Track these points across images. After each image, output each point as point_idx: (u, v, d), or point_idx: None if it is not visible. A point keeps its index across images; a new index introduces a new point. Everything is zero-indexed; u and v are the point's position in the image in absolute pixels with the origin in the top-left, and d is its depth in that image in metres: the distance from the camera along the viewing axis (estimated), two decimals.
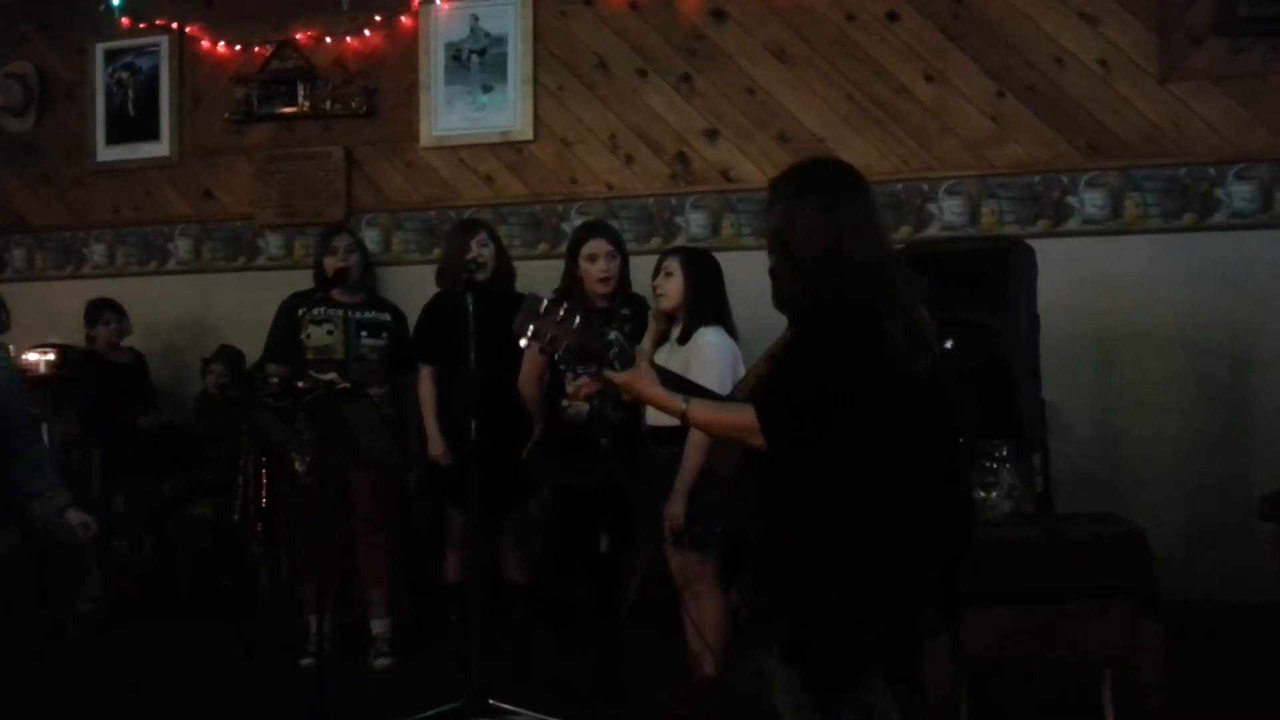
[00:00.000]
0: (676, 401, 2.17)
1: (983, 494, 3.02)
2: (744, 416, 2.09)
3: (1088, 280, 4.41)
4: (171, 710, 3.62)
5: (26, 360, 5.31)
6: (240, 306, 5.29)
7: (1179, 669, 2.90)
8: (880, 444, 2.04)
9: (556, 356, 2.16)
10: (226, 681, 3.86)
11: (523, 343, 2.09)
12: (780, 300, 2.18)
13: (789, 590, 2.12)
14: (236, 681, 3.86)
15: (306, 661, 3.84)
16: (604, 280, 3.72)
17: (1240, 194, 4.36)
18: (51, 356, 5.31)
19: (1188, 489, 4.29)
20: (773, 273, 2.18)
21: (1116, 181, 4.47)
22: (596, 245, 3.75)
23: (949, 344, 3.41)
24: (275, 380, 3.77)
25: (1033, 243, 3.95)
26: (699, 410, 2.17)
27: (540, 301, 2.16)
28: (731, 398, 2.36)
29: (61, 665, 4.07)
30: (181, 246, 5.70)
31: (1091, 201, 4.51)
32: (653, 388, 2.19)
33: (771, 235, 2.18)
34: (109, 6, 5.65)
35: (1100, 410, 4.44)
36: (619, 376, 2.18)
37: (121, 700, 3.72)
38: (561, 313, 2.12)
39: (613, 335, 2.18)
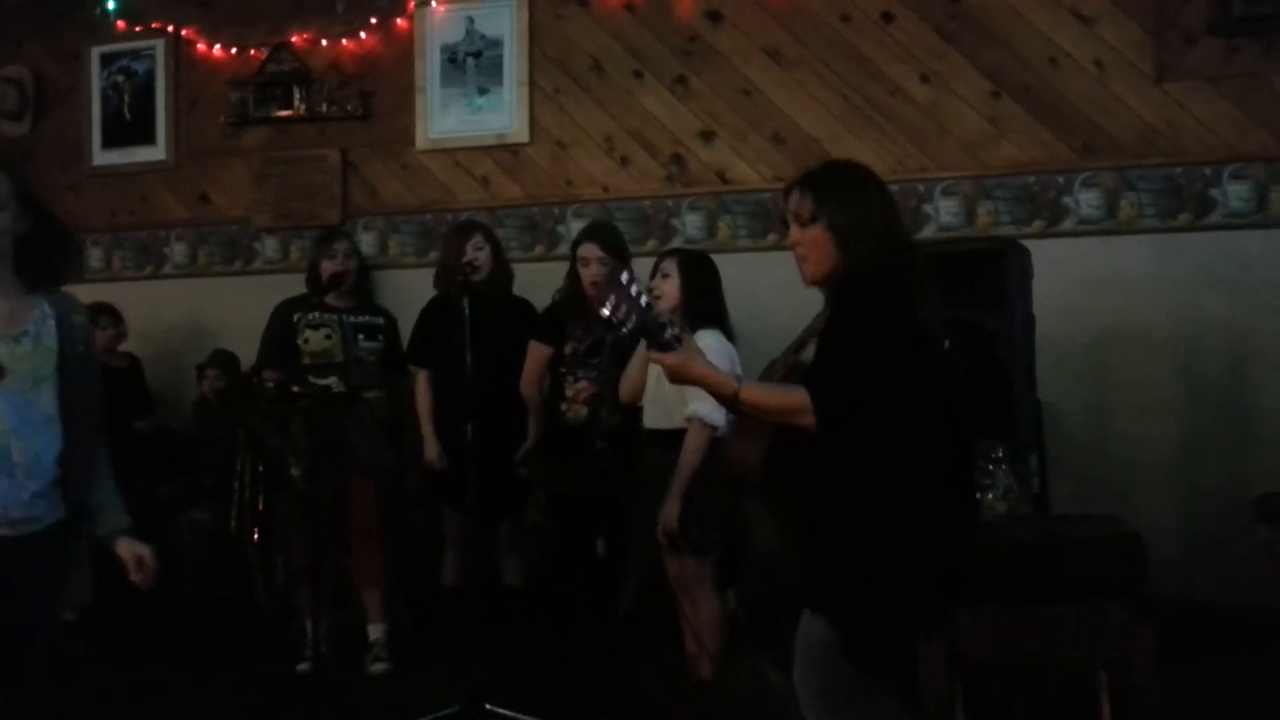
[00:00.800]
0: (730, 382, 2.22)
1: (979, 495, 3.01)
2: (796, 397, 2.15)
3: (1084, 281, 4.41)
4: (167, 716, 3.61)
5: None
6: (237, 310, 5.28)
7: (1175, 670, 2.90)
8: (920, 423, 2.14)
9: (624, 330, 2.21)
10: (223, 687, 3.86)
11: (605, 311, 2.15)
12: (818, 278, 2.27)
13: (840, 563, 2.18)
14: (233, 687, 3.85)
15: (303, 667, 3.84)
16: (594, 284, 3.72)
17: (1236, 194, 4.36)
18: None
19: (1183, 490, 4.29)
20: (855, 265, 2.22)
21: (1112, 182, 4.48)
22: (587, 250, 3.75)
23: (946, 344, 3.44)
24: (270, 385, 3.77)
25: (1028, 243, 3.95)
26: (751, 391, 2.22)
27: (622, 274, 2.24)
28: None
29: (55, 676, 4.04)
30: (178, 250, 5.70)
31: (1087, 202, 4.51)
32: (704, 368, 2.23)
33: (850, 228, 2.23)
34: (104, 10, 5.65)
35: (1097, 411, 4.44)
36: (670, 357, 2.21)
37: (117, 706, 3.71)
38: (635, 289, 2.18)
39: (666, 319, 2.28)
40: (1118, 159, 4.46)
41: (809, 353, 2.39)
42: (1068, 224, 4.53)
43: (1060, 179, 4.53)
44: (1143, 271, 4.42)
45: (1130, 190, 4.45)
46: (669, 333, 2.23)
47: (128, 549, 2.30)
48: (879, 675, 2.18)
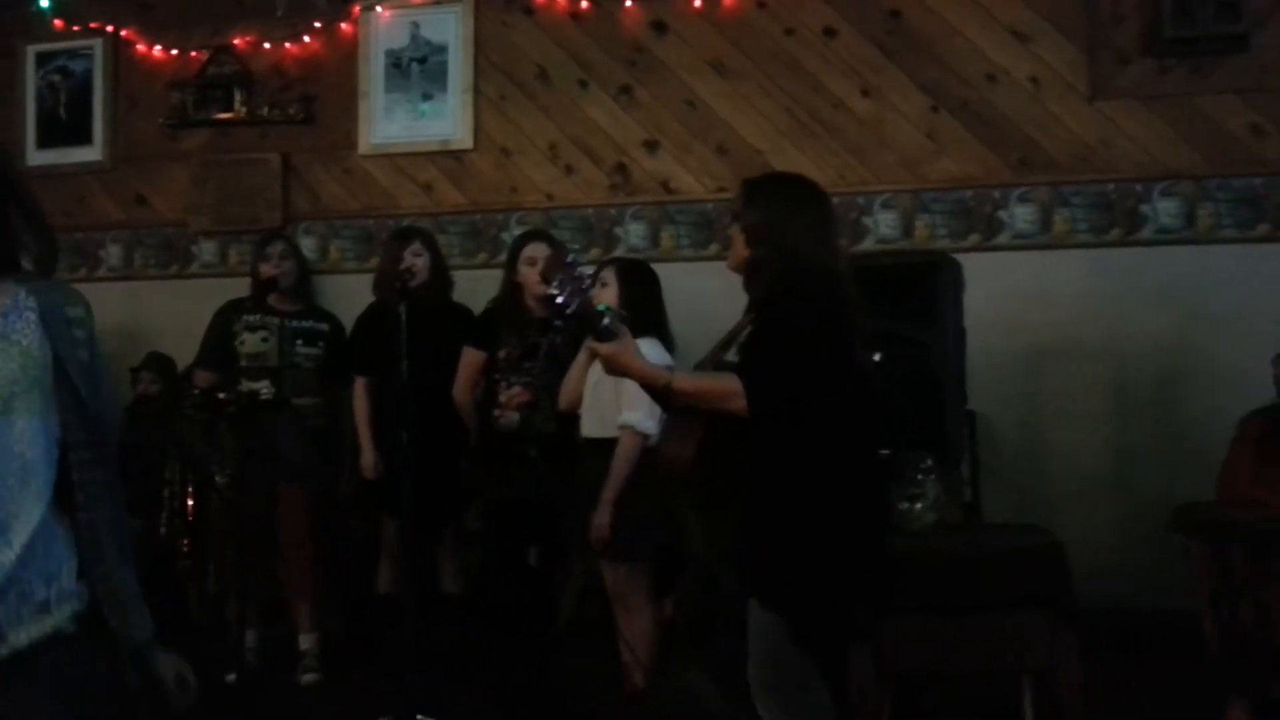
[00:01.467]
0: (660, 374, 2.30)
1: (907, 505, 3.05)
2: (728, 383, 2.24)
3: (1018, 294, 4.48)
4: None
5: None
6: (173, 314, 5.19)
7: (1099, 676, 2.95)
8: (847, 416, 2.25)
9: (567, 312, 2.22)
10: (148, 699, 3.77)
11: (552, 291, 2.16)
12: (754, 285, 2.41)
13: (775, 547, 2.27)
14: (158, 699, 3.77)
15: (230, 677, 3.77)
16: (540, 283, 3.69)
17: (1165, 210, 4.47)
18: None
19: (1113, 500, 4.37)
20: (753, 263, 2.38)
21: (1046, 197, 4.56)
22: (535, 249, 3.74)
23: (878, 357, 3.47)
24: (198, 390, 3.71)
25: (964, 257, 3.99)
26: (683, 380, 2.31)
27: (568, 255, 2.29)
28: None
29: None
30: (113, 253, 5.59)
31: (1022, 217, 4.59)
32: (636, 360, 2.28)
33: (758, 227, 2.39)
34: (40, 8, 5.54)
35: (1029, 422, 4.51)
36: (605, 347, 2.26)
37: None
38: (578, 272, 2.21)
39: (605, 307, 2.30)
40: (1052, 174, 4.55)
41: (734, 352, 2.45)
42: (1003, 238, 4.60)
43: (996, 194, 4.60)
44: (1076, 286, 4.50)
45: (1064, 206, 4.54)
46: (606, 320, 2.26)
47: (170, 665, 1.63)
48: (827, 658, 2.27)
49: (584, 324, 2.31)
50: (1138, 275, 4.44)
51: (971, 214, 4.63)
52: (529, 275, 3.70)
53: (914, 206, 4.69)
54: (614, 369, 2.30)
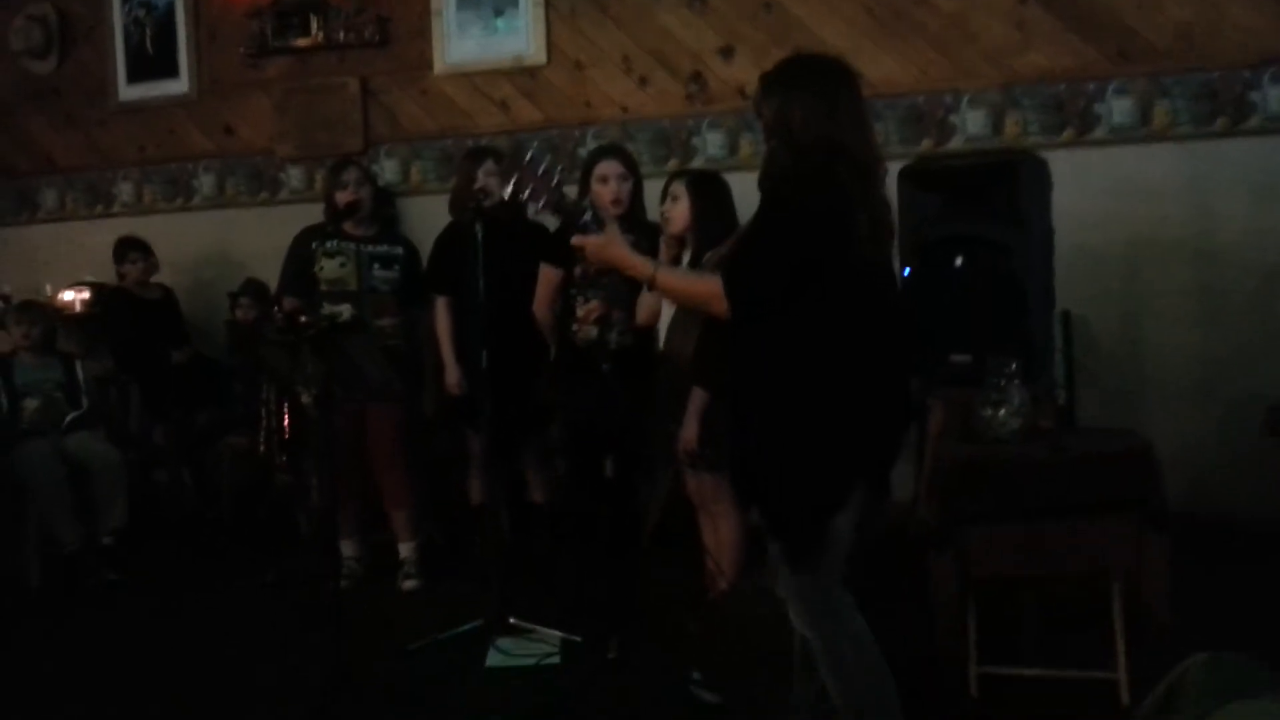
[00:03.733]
0: (645, 265, 2.27)
1: (990, 411, 2.99)
2: (710, 284, 2.19)
3: (1116, 190, 4.31)
4: (202, 634, 3.75)
5: (62, 299, 5.44)
6: (264, 240, 5.32)
7: (1188, 581, 2.89)
8: (834, 319, 2.14)
9: (538, 210, 2.29)
10: (260, 606, 3.99)
11: (507, 192, 2.20)
12: (762, 181, 2.27)
13: (753, 450, 2.23)
14: (270, 606, 3.98)
15: (343, 584, 3.95)
16: (615, 202, 3.68)
17: (1277, 97, 4.20)
18: (86, 295, 5.43)
19: (1210, 400, 4.22)
20: (767, 157, 2.27)
21: (1145, 87, 4.33)
22: (608, 167, 3.70)
23: (959, 261, 3.39)
24: (280, 314, 3.82)
25: (1058, 153, 3.86)
26: (666, 276, 2.29)
27: (526, 153, 2.27)
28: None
29: (97, 597, 4.20)
30: (205, 183, 5.76)
31: (1119, 109, 4.38)
32: (622, 250, 2.27)
33: (771, 121, 2.24)
34: None
35: (1126, 323, 4.36)
36: (590, 240, 2.27)
37: (153, 630, 3.87)
38: (542, 169, 2.23)
39: (586, 203, 2.33)
40: (1151, 63, 4.30)
41: None
42: (1099, 133, 4.41)
43: (1090, 86, 4.39)
44: (1177, 181, 4.30)
45: (1164, 96, 4.31)
46: (586, 216, 2.27)
47: None
48: (800, 564, 2.20)
49: (562, 221, 2.33)
50: (1244, 168, 4.21)
51: (1065, 108, 4.42)
52: (600, 192, 3.68)
53: (1003, 103, 4.50)
54: (601, 261, 2.31)
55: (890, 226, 2.24)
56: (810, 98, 2.19)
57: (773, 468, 2.19)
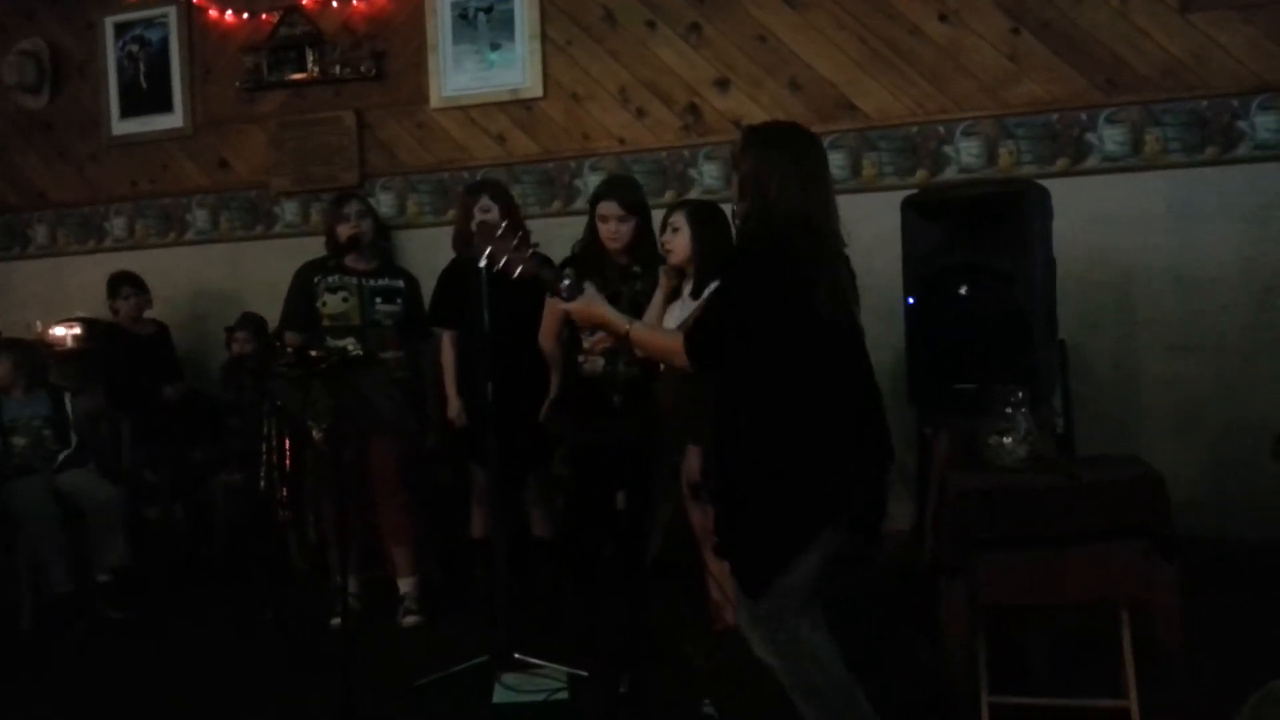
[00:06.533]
0: (622, 322, 2.46)
1: (997, 439, 3.00)
2: (674, 340, 2.39)
3: (1109, 219, 4.34)
4: (203, 672, 3.71)
5: (53, 335, 5.40)
6: (260, 274, 5.33)
7: (1198, 608, 2.90)
8: (796, 373, 2.28)
9: (514, 277, 2.40)
10: (258, 644, 3.94)
11: (482, 262, 2.35)
12: (739, 237, 2.45)
13: (723, 493, 2.41)
14: (268, 643, 3.94)
15: (336, 622, 3.91)
16: (613, 240, 3.71)
17: (1265, 125, 4.26)
18: (77, 330, 5.39)
19: (1208, 429, 4.24)
20: (741, 215, 2.40)
21: (1136, 116, 4.38)
22: (607, 207, 3.73)
23: (963, 290, 3.41)
24: (290, 349, 3.80)
25: (1052, 182, 3.88)
26: (638, 332, 2.48)
27: (497, 228, 2.49)
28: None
29: (91, 637, 4.14)
30: (199, 217, 5.75)
31: (1111, 138, 4.43)
32: (601, 309, 2.46)
33: (746, 181, 2.38)
34: None
35: (1121, 351, 4.39)
36: (573, 305, 2.44)
37: (153, 666, 3.82)
38: (516, 240, 2.39)
39: (565, 269, 2.47)
40: (1142, 93, 4.36)
41: None
42: (1091, 161, 4.45)
43: (1083, 116, 4.44)
44: (1169, 208, 4.33)
45: (1155, 125, 4.36)
46: (566, 281, 2.42)
47: None
48: (752, 589, 2.30)
49: (543, 285, 2.47)
50: (1235, 195, 4.26)
51: (1058, 138, 4.47)
52: (604, 231, 3.71)
53: (996, 133, 4.55)
54: (586, 321, 2.52)
55: (853, 290, 2.39)
56: (782, 162, 2.34)
57: (737, 507, 2.33)
